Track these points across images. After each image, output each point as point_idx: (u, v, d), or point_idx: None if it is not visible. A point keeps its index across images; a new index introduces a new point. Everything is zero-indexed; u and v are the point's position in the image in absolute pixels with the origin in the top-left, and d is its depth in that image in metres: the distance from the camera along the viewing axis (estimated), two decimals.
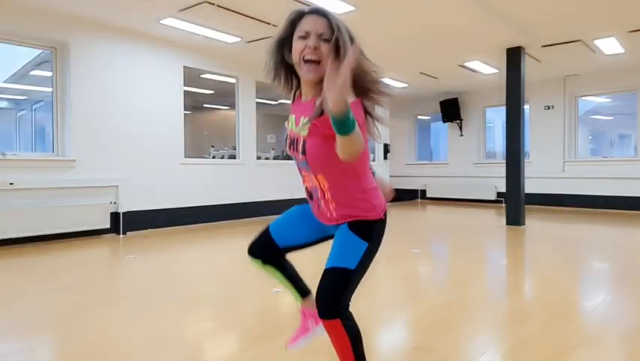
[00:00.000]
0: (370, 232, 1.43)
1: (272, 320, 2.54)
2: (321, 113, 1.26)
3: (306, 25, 1.35)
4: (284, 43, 1.41)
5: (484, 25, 5.85)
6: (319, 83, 1.30)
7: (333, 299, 1.37)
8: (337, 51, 1.31)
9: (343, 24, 1.36)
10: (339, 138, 1.13)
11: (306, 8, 1.39)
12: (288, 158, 8.89)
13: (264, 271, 1.71)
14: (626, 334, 2.33)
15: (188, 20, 5.57)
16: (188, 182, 6.77)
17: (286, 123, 1.51)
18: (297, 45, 1.34)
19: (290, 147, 1.46)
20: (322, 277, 1.41)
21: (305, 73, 1.35)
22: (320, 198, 1.46)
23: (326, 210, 1.47)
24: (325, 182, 1.41)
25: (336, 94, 1.02)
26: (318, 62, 1.32)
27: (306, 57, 1.32)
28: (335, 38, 1.32)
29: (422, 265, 4.12)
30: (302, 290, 1.74)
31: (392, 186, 1.73)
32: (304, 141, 1.38)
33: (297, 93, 1.50)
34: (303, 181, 1.53)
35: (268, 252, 1.66)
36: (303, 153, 1.39)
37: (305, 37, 1.33)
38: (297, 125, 1.42)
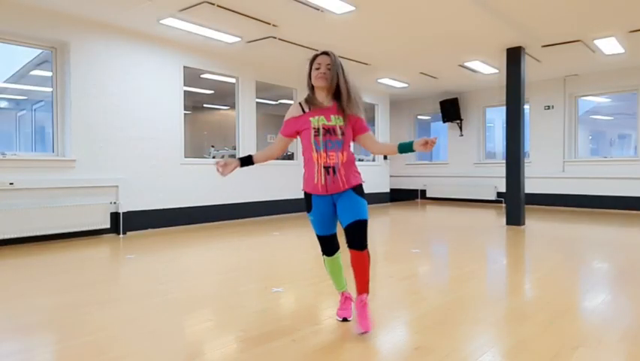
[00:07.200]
0: (363, 192, 2.40)
1: (272, 320, 2.54)
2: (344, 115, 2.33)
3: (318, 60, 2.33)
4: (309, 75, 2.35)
5: (484, 26, 5.85)
6: (329, 93, 2.33)
7: (364, 238, 2.33)
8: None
9: (338, 60, 2.33)
10: (392, 150, 2.40)
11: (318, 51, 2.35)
12: (289, 158, 8.90)
13: (334, 264, 2.49)
14: (626, 334, 2.33)
15: (188, 20, 5.57)
16: (188, 182, 6.77)
17: (313, 121, 2.30)
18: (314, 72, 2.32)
19: (325, 134, 2.28)
20: (355, 226, 2.30)
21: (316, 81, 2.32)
22: (338, 170, 2.31)
23: (339, 179, 2.32)
24: (344, 158, 2.32)
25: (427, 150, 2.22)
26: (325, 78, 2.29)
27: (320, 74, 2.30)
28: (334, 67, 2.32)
29: (422, 265, 4.12)
30: (344, 281, 2.57)
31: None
32: (341, 128, 2.30)
33: (311, 107, 2.34)
34: (326, 161, 2.29)
35: (336, 241, 2.46)
36: (342, 134, 2.30)
37: (318, 67, 2.30)
38: (330, 120, 2.30)
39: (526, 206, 7.12)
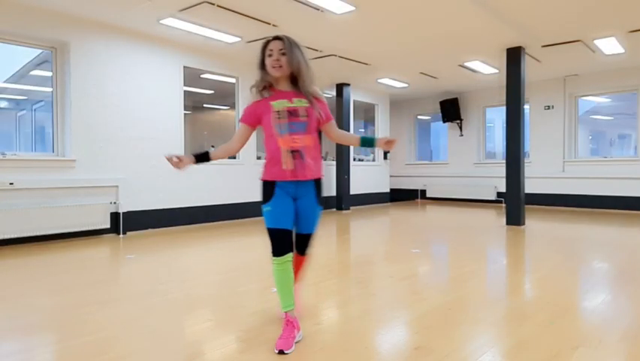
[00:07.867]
0: (321, 193, 2.33)
1: (272, 320, 2.54)
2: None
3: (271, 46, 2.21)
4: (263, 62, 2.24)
5: (484, 26, 5.85)
6: (287, 80, 2.26)
7: (308, 248, 2.42)
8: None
9: (293, 41, 2.23)
10: (354, 141, 2.44)
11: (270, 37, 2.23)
12: None
13: (284, 270, 2.21)
14: (626, 334, 2.33)
15: (188, 20, 5.57)
16: (188, 182, 6.77)
17: (275, 105, 2.19)
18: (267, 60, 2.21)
19: (289, 116, 2.17)
20: (302, 238, 2.36)
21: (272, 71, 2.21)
22: (305, 154, 2.19)
23: (307, 165, 2.20)
24: (311, 141, 2.22)
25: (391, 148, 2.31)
26: (280, 66, 2.19)
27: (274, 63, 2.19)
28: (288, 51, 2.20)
29: (422, 265, 4.12)
30: (293, 300, 2.27)
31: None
32: (307, 110, 2.20)
33: (268, 92, 2.24)
34: (291, 145, 2.17)
35: (290, 241, 2.25)
36: (306, 116, 2.19)
37: (271, 54, 2.20)
38: (293, 102, 2.20)
39: (526, 206, 7.13)
